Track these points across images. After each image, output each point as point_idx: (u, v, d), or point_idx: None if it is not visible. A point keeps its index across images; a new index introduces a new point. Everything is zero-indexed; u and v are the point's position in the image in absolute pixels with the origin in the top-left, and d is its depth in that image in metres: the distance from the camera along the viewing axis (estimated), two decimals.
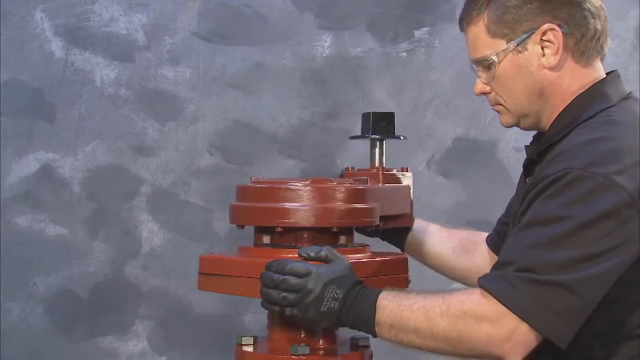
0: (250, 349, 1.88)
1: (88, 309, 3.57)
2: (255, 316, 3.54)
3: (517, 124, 1.88)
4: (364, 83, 3.65)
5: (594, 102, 1.81)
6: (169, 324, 3.60)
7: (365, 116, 2.07)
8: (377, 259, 1.89)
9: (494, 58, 1.81)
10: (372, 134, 2.06)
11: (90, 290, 3.58)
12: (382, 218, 1.99)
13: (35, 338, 3.55)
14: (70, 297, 3.57)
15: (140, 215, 3.60)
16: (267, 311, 1.85)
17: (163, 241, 3.61)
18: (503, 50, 1.80)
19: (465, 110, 3.60)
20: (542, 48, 1.80)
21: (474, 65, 1.86)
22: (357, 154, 3.54)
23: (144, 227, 3.60)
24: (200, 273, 1.89)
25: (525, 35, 1.79)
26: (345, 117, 3.63)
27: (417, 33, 3.66)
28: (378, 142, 2.08)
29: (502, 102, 1.85)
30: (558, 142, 1.78)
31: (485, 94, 1.87)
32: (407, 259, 1.95)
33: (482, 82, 1.86)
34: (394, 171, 2.08)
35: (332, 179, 1.89)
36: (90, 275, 3.58)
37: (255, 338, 1.90)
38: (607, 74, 1.88)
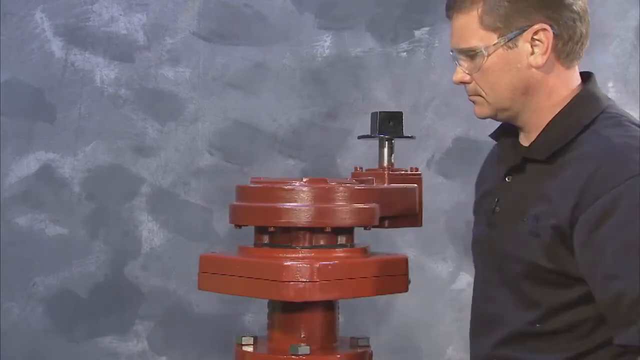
0: (250, 349, 1.88)
1: (88, 309, 3.57)
2: (255, 316, 3.54)
3: (494, 116, 1.88)
4: (364, 83, 3.65)
5: (591, 104, 1.83)
6: (169, 324, 3.60)
7: (373, 116, 2.06)
8: (377, 259, 1.88)
9: (484, 51, 1.80)
10: (379, 134, 2.05)
11: (90, 290, 3.58)
12: (388, 218, 1.99)
13: (35, 338, 3.55)
14: (70, 297, 3.57)
15: (140, 215, 3.60)
16: (267, 311, 1.85)
17: (163, 241, 3.61)
18: (494, 44, 1.79)
19: (465, 110, 3.58)
20: (532, 46, 1.80)
21: (457, 54, 1.85)
22: (357, 153, 3.54)
23: (144, 227, 3.60)
24: (200, 273, 1.89)
25: (518, 31, 1.79)
26: (345, 117, 3.62)
27: (417, 33, 3.66)
28: (386, 142, 2.07)
29: (483, 94, 1.84)
30: (568, 145, 1.79)
31: (464, 83, 1.86)
32: (407, 259, 1.95)
33: (464, 71, 1.85)
34: (402, 171, 2.07)
35: (329, 179, 1.89)
36: (90, 275, 3.58)
37: (255, 338, 1.90)
38: (581, 74, 1.88)
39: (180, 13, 3.62)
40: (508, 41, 1.79)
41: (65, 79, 3.58)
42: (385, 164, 2.07)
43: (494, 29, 1.80)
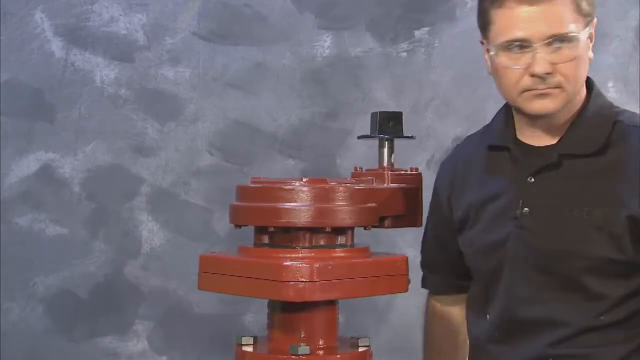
0: (250, 349, 1.88)
1: (88, 309, 3.57)
2: (255, 316, 3.54)
3: (556, 111, 1.81)
4: (364, 83, 3.65)
5: (604, 98, 1.86)
6: (169, 324, 3.60)
7: (373, 116, 2.06)
8: (377, 259, 1.88)
9: (582, 37, 1.75)
10: (379, 134, 2.05)
11: (90, 290, 3.58)
12: (388, 218, 1.98)
13: (35, 338, 3.55)
14: (70, 297, 3.57)
15: (140, 215, 3.60)
16: (267, 311, 1.85)
17: (163, 241, 3.61)
18: (587, 29, 1.76)
19: (465, 110, 3.60)
20: (590, 37, 1.79)
21: (542, 45, 1.75)
22: (357, 153, 3.53)
23: (144, 227, 3.60)
24: (200, 273, 1.89)
25: (591, 19, 1.78)
26: (345, 117, 3.62)
27: (417, 33, 3.66)
28: (386, 142, 2.07)
29: (565, 84, 1.78)
30: (606, 141, 1.80)
31: (547, 74, 1.77)
32: (407, 259, 1.95)
33: (549, 61, 1.76)
34: (402, 171, 2.07)
35: (329, 179, 1.89)
36: (90, 275, 3.58)
37: (255, 338, 1.90)
38: None
39: (180, 13, 3.62)
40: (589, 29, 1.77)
41: (65, 79, 3.58)
42: (385, 164, 2.06)
43: (586, 15, 1.76)
